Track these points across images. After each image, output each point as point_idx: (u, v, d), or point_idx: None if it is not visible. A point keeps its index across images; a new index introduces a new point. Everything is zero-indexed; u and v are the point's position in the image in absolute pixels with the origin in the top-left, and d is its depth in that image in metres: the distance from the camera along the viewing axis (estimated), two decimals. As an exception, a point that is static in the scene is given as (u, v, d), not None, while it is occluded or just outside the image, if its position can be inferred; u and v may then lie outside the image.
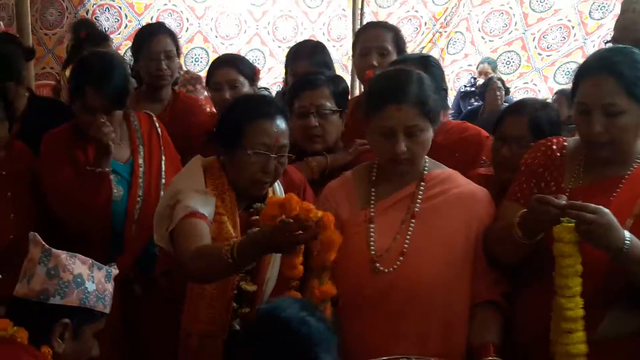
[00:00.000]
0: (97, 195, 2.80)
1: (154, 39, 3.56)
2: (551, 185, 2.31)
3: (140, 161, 2.95)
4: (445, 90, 3.04)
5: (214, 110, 3.66)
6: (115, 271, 2.11)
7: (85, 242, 2.77)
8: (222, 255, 2.09)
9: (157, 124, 3.09)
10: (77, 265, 1.98)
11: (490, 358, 2.24)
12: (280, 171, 2.46)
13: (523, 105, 2.75)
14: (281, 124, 2.44)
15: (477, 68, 8.48)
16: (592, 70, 2.22)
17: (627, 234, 2.05)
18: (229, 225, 2.39)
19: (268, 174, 2.41)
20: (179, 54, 3.68)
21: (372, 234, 2.35)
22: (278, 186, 2.54)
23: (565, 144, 2.37)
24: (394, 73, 2.46)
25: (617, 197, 2.19)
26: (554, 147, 2.36)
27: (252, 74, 3.49)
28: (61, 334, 1.95)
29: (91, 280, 1.99)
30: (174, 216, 2.32)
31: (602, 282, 2.15)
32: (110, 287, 2.07)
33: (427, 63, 2.88)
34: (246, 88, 3.42)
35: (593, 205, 2.02)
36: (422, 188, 2.39)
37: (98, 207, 2.81)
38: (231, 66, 3.45)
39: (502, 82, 7.78)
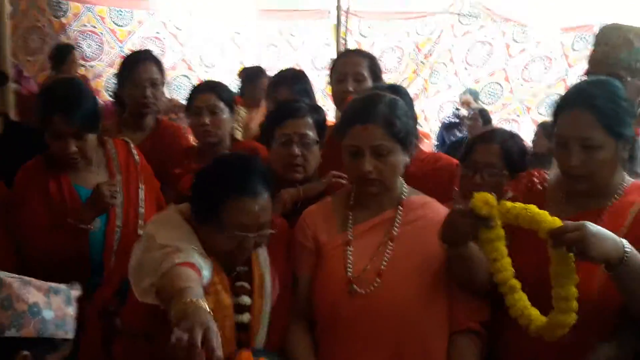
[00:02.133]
0: (71, 246, 2.75)
1: (140, 66, 3.56)
2: None
3: (118, 189, 2.85)
4: (415, 119, 3.02)
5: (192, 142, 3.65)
6: (75, 292, 1.97)
7: (63, 272, 2.72)
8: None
9: (134, 151, 3.04)
10: (32, 293, 1.84)
11: None
12: (262, 244, 2.26)
13: (493, 133, 2.76)
14: (263, 198, 2.17)
15: (459, 99, 8.54)
16: (570, 104, 2.22)
17: (625, 241, 2.00)
18: (224, 294, 2.17)
19: (246, 251, 2.21)
20: (164, 82, 3.67)
21: (349, 256, 2.34)
22: None
23: (547, 176, 2.38)
24: (366, 95, 2.46)
25: None
26: (536, 180, 2.37)
27: (232, 101, 3.50)
28: None
29: (48, 307, 1.85)
30: (166, 261, 2.00)
31: (593, 310, 2.10)
32: (71, 310, 1.93)
33: (397, 92, 2.87)
34: (226, 115, 3.43)
35: (572, 223, 1.99)
36: (400, 212, 2.38)
37: (71, 254, 2.75)
38: (212, 92, 3.46)
39: (485, 112, 7.83)
